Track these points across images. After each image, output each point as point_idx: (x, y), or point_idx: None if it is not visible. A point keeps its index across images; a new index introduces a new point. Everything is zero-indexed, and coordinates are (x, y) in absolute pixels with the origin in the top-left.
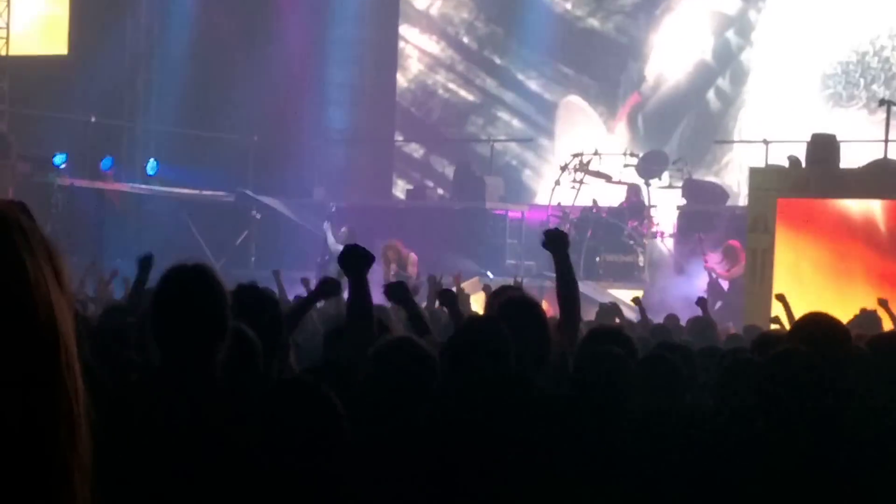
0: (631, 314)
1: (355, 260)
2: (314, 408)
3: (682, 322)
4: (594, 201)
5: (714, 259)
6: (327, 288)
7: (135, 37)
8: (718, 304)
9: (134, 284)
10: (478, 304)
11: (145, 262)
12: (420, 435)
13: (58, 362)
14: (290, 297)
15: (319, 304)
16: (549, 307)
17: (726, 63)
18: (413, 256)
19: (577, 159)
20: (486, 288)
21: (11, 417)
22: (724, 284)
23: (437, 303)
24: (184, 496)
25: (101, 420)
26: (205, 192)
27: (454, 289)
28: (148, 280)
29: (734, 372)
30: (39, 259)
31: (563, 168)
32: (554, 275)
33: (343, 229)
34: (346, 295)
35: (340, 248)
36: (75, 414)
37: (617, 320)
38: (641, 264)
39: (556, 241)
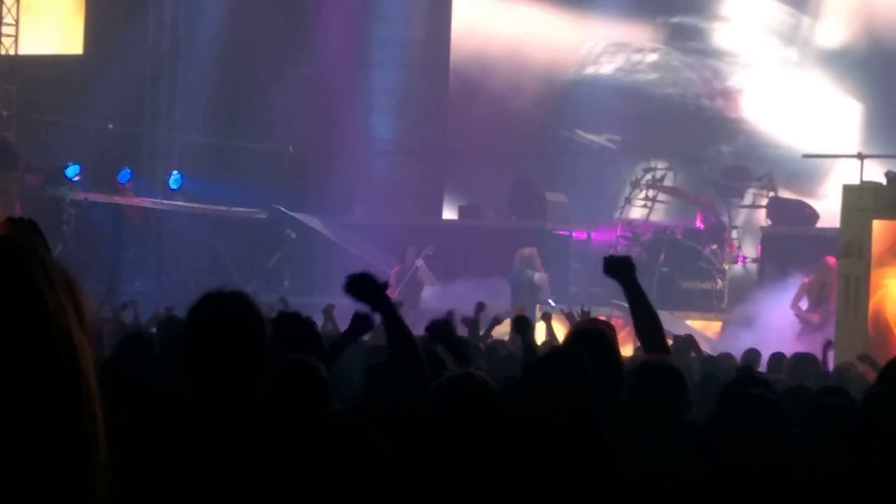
0: (707, 347)
1: (367, 290)
2: (358, 450)
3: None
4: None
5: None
6: (359, 325)
7: (157, 35)
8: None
9: None
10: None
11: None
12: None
13: (79, 408)
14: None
15: None
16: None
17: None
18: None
19: (650, 174)
20: (545, 316)
21: (28, 469)
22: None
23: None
24: None
25: (124, 466)
26: (234, 209)
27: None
28: None
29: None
30: (60, 293)
31: (635, 184)
32: (625, 304)
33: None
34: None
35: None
36: (96, 464)
37: (693, 354)
38: (721, 292)
39: (619, 268)
